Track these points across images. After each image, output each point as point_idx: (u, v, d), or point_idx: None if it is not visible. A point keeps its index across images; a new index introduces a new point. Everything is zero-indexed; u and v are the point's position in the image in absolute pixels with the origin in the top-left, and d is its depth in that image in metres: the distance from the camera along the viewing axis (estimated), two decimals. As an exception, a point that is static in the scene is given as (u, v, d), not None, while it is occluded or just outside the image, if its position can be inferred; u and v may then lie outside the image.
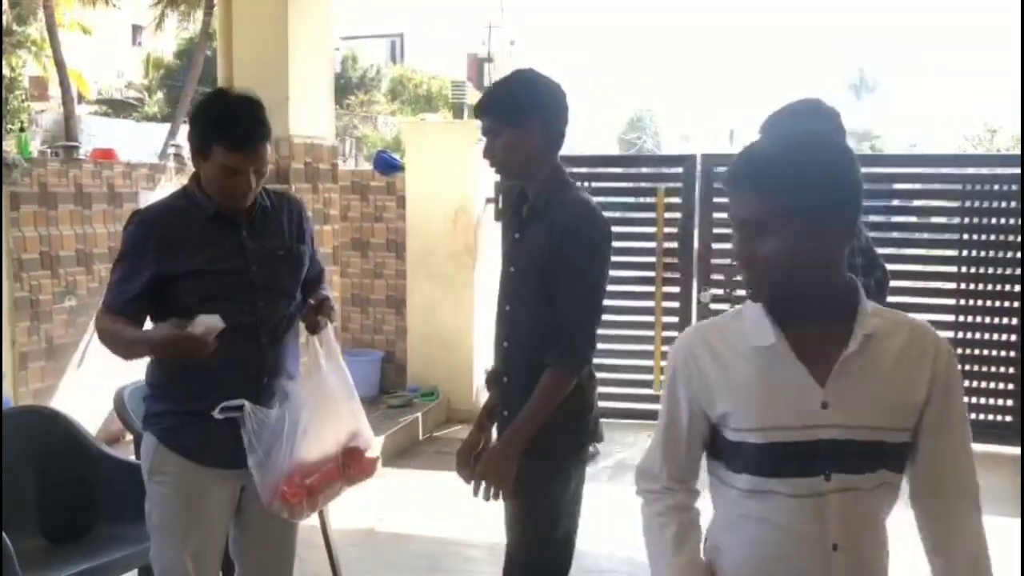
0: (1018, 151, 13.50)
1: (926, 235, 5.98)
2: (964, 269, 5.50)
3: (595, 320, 2.13)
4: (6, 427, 2.80)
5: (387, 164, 6.28)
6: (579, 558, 2.26)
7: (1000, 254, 5.44)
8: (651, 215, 5.90)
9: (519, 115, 2.11)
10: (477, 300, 5.89)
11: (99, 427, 4.76)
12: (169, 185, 5.51)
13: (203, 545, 2.23)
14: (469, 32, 28.90)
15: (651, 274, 5.87)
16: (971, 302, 5.48)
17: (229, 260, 2.18)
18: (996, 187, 5.44)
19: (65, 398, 4.79)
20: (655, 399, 5.84)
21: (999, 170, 5.65)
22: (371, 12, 29.57)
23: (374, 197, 6.40)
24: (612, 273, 6.64)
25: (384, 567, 3.78)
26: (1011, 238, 5.39)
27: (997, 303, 5.46)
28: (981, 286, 5.46)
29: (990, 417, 5.49)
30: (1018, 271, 5.36)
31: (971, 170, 5.75)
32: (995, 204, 5.43)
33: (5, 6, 17.12)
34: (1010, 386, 5.43)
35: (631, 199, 6.23)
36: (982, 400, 5.48)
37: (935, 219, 6.23)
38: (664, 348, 5.84)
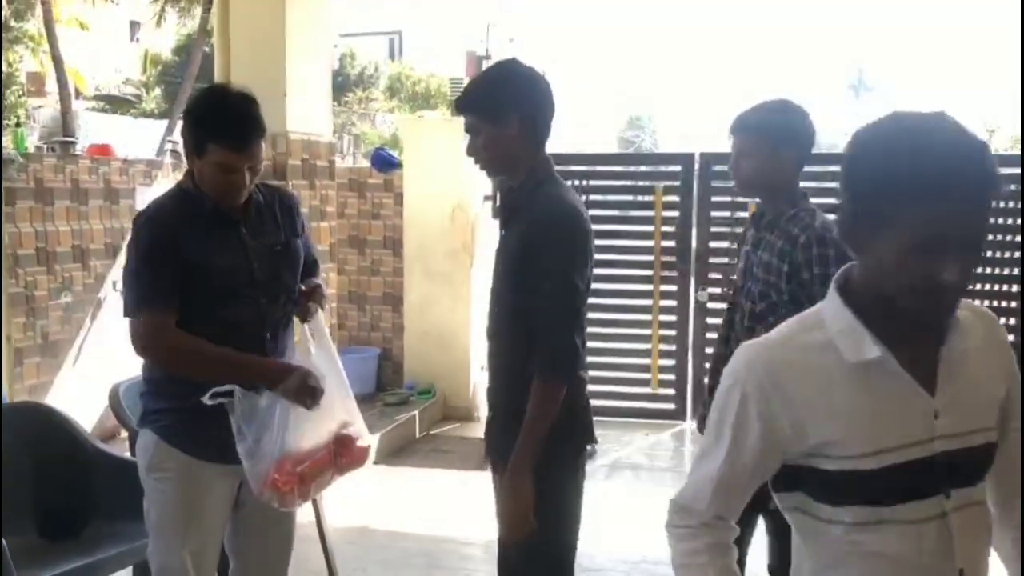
0: (1017, 151, 13.51)
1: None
2: (962, 269, 5.50)
3: (575, 324, 2.00)
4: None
5: (385, 161, 6.27)
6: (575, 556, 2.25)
7: (998, 254, 5.44)
8: (649, 213, 5.89)
9: (497, 110, 2.03)
10: (474, 298, 5.88)
11: (94, 424, 4.75)
12: (166, 181, 5.49)
13: (203, 542, 2.23)
14: (468, 30, 28.88)
15: (649, 273, 5.86)
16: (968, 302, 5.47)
17: (232, 258, 2.18)
18: (994, 187, 5.43)
19: (61, 394, 4.78)
20: (652, 398, 5.84)
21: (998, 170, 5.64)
22: (370, 9, 29.54)
23: (371, 194, 6.39)
24: (609, 272, 6.65)
25: (380, 565, 3.77)
26: (1009, 238, 5.39)
27: (994, 303, 5.46)
28: (978, 286, 5.46)
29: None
30: (1016, 271, 5.36)
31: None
32: (993, 204, 5.41)
33: (4, 1, 17.07)
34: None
35: (629, 197, 6.22)
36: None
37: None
38: (662, 347, 5.84)
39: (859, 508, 1.22)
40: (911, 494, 1.22)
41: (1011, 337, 5.38)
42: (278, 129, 4.16)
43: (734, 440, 1.27)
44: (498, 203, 5.75)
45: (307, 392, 2.15)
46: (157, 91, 26.30)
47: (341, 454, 2.31)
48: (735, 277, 2.54)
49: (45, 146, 7.24)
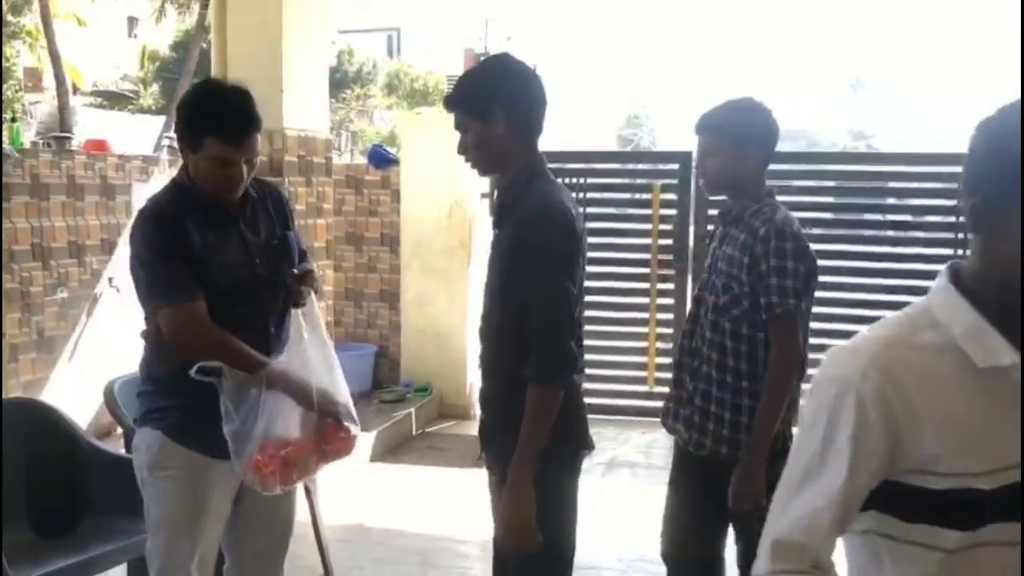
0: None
1: (921, 234, 5.97)
2: (959, 268, 5.49)
3: (567, 326, 1.94)
4: (-6, 419, 2.79)
5: (382, 158, 6.25)
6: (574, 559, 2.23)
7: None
8: (647, 212, 5.89)
9: (483, 107, 1.99)
10: (471, 296, 5.87)
11: (90, 420, 4.73)
12: (162, 177, 5.48)
13: (206, 539, 2.22)
14: (466, 27, 28.85)
15: (646, 271, 5.86)
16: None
17: (235, 254, 2.18)
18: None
19: (56, 391, 4.77)
20: (649, 396, 5.83)
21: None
22: (368, 6, 29.52)
23: (368, 191, 6.38)
24: (606, 270, 6.63)
25: (375, 562, 3.77)
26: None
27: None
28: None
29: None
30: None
31: (967, 169, 5.73)
32: (991, 203, 5.41)
33: (1, -3, 17.03)
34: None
35: (627, 196, 6.21)
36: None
37: (930, 218, 6.23)
38: (659, 345, 5.83)
39: (962, 534, 1.10)
40: (1013, 515, 1.10)
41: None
42: (275, 125, 4.14)
43: (854, 456, 1.09)
44: (494, 200, 5.75)
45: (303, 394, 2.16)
46: (155, 87, 26.26)
47: (326, 440, 2.29)
48: (704, 273, 2.57)
49: (41, 142, 7.22)
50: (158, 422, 2.19)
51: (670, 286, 5.85)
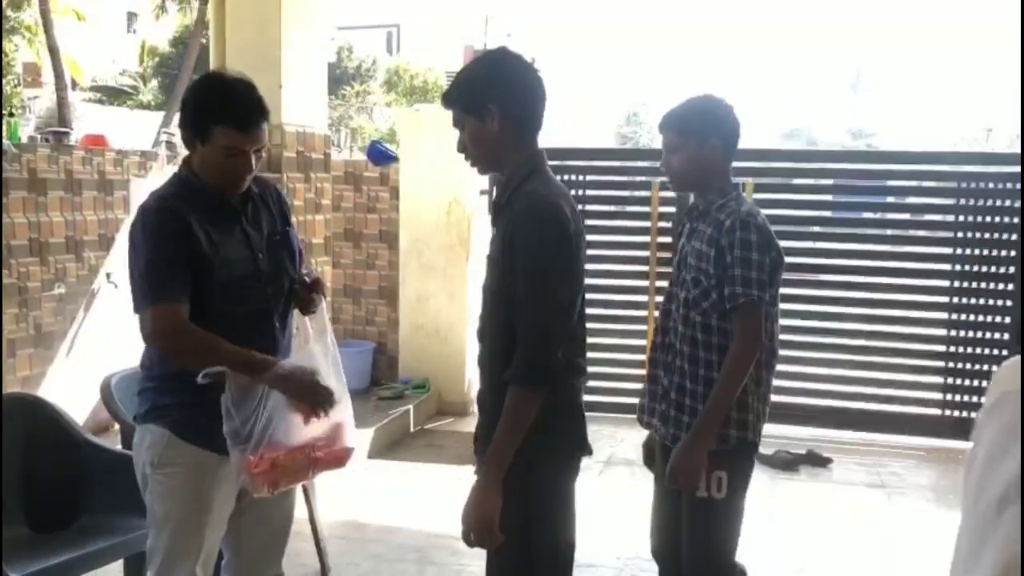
0: (1016, 150, 13.51)
1: (921, 233, 5.97)
2: (958, 267, 5.50)
3: (553, 331, 1.89)
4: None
5: (380, 154, 6.23)
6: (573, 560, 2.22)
7: (995, 253, 5.43)
8: (646, 209, 5.88)
9: (477, 103, 1.95)
10: (470, 292, 5.86)
11: (88, 416, 4.73)
12: (160, 173, 5.46)
13: (210, 537, 2.22)
14: (466, 24, 28.81)
15: (645, 268, 5.85)
16: (965, 300, 5.48)
17: (238, 249, 2.17)
18: (992, 186, 5.43)
19: (53, 386, 4.76)
20: (647, 394, 5.81)
21: (995, 168, 5.64)
22: (367, 3, 29.48)
23: (367, 188, 6.36)
24: (605, 267, 6.59)
25: (373, 559, 3.76)
26: (1006, 237, 5.38)
27: (991, 301, 5.45)
28: (975, 284, 5.46)
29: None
30: (1012, 270, 5.35)
31: (967, 168, 5.74)
32: (990, 203, 5.42)
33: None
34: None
35: (626, 193, 6.21)
36: (975, 399, 5.49)
37: (929, 217, 6.23)
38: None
39: None
40: None
41: (1006, 336, 5.39)
42: (273, 121, 4.11)
43: None
44: (493, 198, 5.74)
45: (309, 392, 2.14)
46: (154, 83, 26.23)
47: (321, 450, 2.27)
48: (673, 268, 2.58)
49: (39, 137, 7.20)
50: (162, 419, 2.18)
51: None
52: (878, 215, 6.66)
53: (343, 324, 6.39)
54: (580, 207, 2.21)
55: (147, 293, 2.09)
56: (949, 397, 5.52)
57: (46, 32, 17.73)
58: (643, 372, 5.87)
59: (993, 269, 5.43)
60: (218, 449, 2.15)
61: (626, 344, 5.90)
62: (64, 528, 2.81)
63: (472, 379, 5.88)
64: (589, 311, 2.13)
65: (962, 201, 5.48)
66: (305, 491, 3.31)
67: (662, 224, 5.82)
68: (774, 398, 5.62)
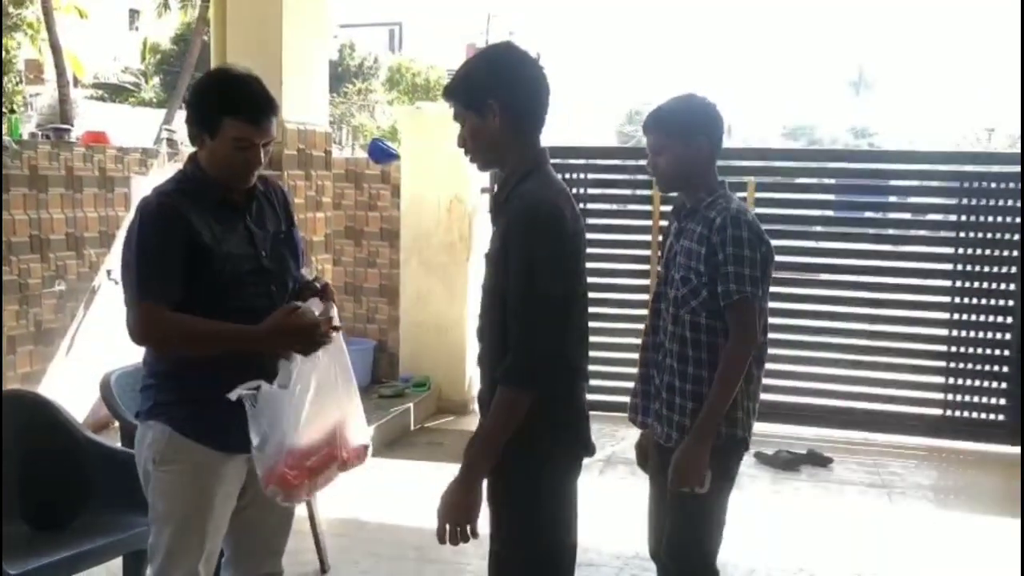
0: (1017, 150, 13.50)
1: (922, 233, 5.96)
2: (960, 267, 5.49)
3: (546, 331, 1.86)
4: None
5: (382, 152, 6.22)
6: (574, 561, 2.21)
7: (996, 253, 5.42)
8: (647, 208, 5.87)
9: (477, 97, 1.93)
10: (470, 290, 5.86)
11: (88, 413, 4.72)
12: (161, 170, 5.46)
13: (213, 535, 2.21)
14: (469, 21, 28.78)
15: (646, 267, 5.84)
16: (966, 300, 5.46)
17: (242, 246, 2.17)
18: (993, 185, 5.41)
19: (54, 383, 4.76)
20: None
21: (996, 168, 5.63)
22: (370, 0, 29.46)
23: (368, 185, 6.36)
24: (607, 266, 6.56)
25: (372, 557, 3.76)
26: (1007, 237, 5.37)
27: (992, 302, 5.44)
28: (977, 284, 5.45)
29: (984, 416, 5.48)
30: (1014, 270, 5.34)
31: (968, 168, 5.73)
32: (992, 203, 5.41)
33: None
34: (1004, 385, 5.42)
35: (628, 191, 6.19)
36: (976, 399, 5.48)
37: (931, 217, 6.22)
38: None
39: None
40: None
41: (1008, 336, 5.38)
42: (274, 118, 4.13)
43: None
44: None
45: (300, 332, 2.11)
46: (155, 80, 26.23)
47: (344, 449, 2.29)
48: (660, 268, 2.58)
49: (40, 133, 7.20)
50: (164, 416, 2.17)
51: (670, 283, 5.83)
52: (880, 215, 6.65)
53: (343, 322, 6.37)
54: (581, 206, 2.19)
55: (134, 289, 2.09)
56: (950, 397, 5.51)
57: (48, 29, 17.73)
58: (643, 371, 5.91)
59: (995, 269, 5.41)
60: (221, 446, 2.15)
61: (628, 343, 5.89)
62: (63, 526, 2.81)
63: (473, 377, 5.88)
64: (591, 309, 2.11)
65: (964, 201, 5.47)
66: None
67: (663, 223, 5.81)
68: (775, 397, 5.62)
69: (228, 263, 2.12)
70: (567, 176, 5.74)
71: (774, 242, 2.43)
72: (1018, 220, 5.30)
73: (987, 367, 5.45)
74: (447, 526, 1.93)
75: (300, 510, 2.66)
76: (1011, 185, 5.33)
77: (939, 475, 5.06)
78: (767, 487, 4.72)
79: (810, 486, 4.81)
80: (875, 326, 5.65)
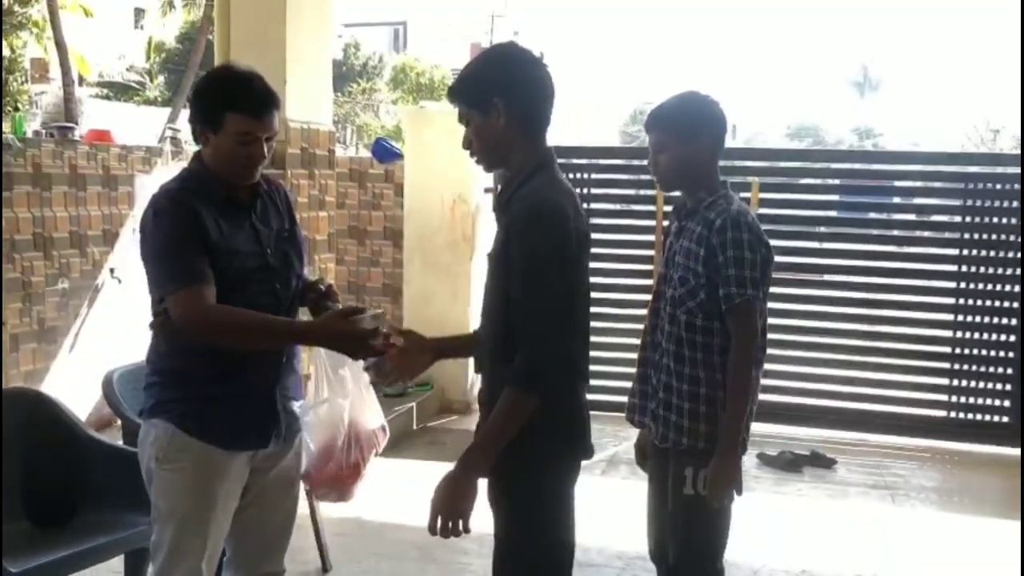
0: (1018, 151, 13.46)
1: (927, 233, 5.95)
2: (964, 268, 5.47)
3: (555, 330, 1.86)
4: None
5: (386, 151, 6.23)
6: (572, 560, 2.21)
7: (1001, 254, 5.40)
8: (651, 208, 5.87)
9: (482, 97, 1.92)
10: (474, 290, 5.86)
11: (91, 411, 4.73)
12: (165, 168, 5.46)
13: (215, 534, 2.20)
14: (473, 21, 28.80)
15: (650, 267, 5.83)
16: (970, 302, 5.45)
17: (248, 243, 2.17)
18: (998, 186, 5.40)
19: (56, 381, 4.77)
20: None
21: (1001, 169, 5.61)
22: (374, 0, 29.47)
23: (372, 185, 6.37)
24: (610, 266, 6.55)
25: (374, 556, 3.76)
26: (1012, 238, 5.35)
27: (997, 303, 5.42)
28: (981, 286, 5.43)
29: (988, 418, 5.46)
30: (1018, 271, 5.32)
31: (973, 169, 5.72)
32: (996, 204, 5.39)
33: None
34: (1008, 387, 5.40)
35: (632, 191, 6.19)
36: (980, 400, 5.46)
37: (936, 218, 6.21)
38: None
39: None
40: None
41: (1012, 338, 5.36)
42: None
43: None
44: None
45: (352, 338, 2.12)
46: (160, 79, 26.27)
47: (379, 440, 2.38)
48: (660, 268, 2.56)
49: (43, 131, 7.21)
50: (168, 414, 2.16)
51: (673, 283, 5.82)
52: (884, 216, 6.64)
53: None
54: (583, 206, 2.18)
55: (170, 279, 2.07)
56: (954, 399, 5.49)
57: (53, 28, 17.74)
58: (646, 371, 5.90)
59: (999, 270, 5.40)
60: (224, 445, 2.15)
61: (631, 343, 5.88)
62: (65, 523, 2.81)
63: (475, 377, 5.87)
64: (593, 309, 2.10)
65: (968, 202, 5.45)
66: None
67: (667, 223, 5.80)
68: (779, 399, 5.61)
69: (235, 260, 2.13)
70: (570, 176, 5.73)
71: (778, 243, 2.42)
72: (1018, 221, 5.28)
73: (991, 369, 5.43)
74: (439, 519, 1.93)
75: (302, 509, 2.66)
76: (1016, 186, 5.31)
77: (943, 477, 5.04)
78: (770, 488, 4.71)
79: (813, 487, 4.79)
80: (879, 327, 5.63)
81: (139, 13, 29.34)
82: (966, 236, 5.47)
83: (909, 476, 5.01)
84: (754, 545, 3.75)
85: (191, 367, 2.14)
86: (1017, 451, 5.16)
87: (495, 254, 1.98)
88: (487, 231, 5.93)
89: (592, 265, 2.10)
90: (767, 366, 2.48)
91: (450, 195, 5.91)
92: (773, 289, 2.42)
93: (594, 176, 6.00)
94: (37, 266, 4.79)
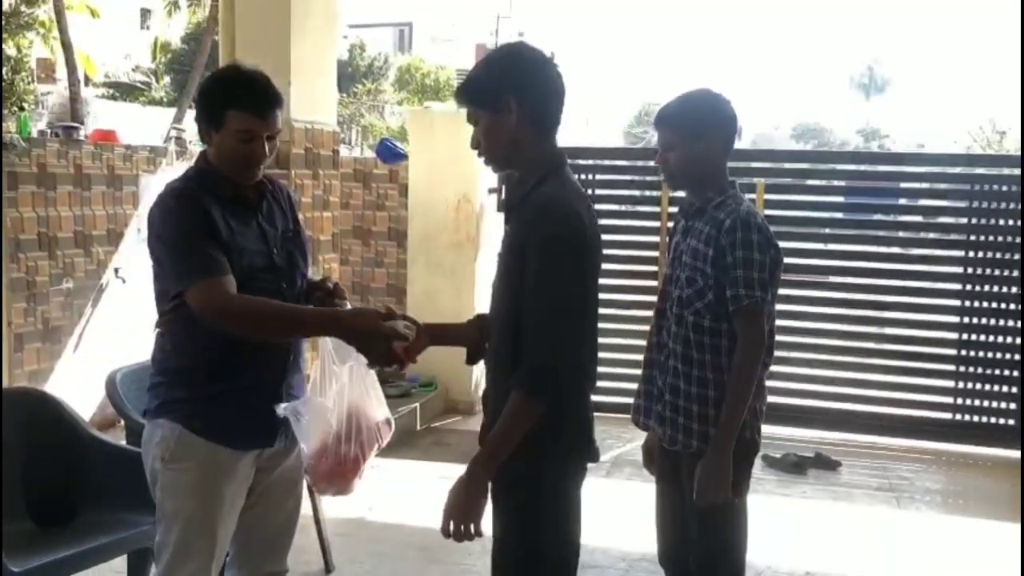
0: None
1: (932, 235, 5.93)
2: (970, 270, 5.45)
3: (567, 335, 1.84)
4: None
5: (390, 152, 6.23)
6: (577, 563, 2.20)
7: (1007, 256, 5.38)
8: (656, 209, 5.86)
9: (492, 97, 1.90)
10: (478, 291, 5.85)
11: (95, 411, 4.73)
12: (170, 168, 5.47)
13: (222, 531, 2.20)
14: (479, 22, 28.81)
15: (655, 268, 5.82)
16: (976, 304, 5.42)
17: (255, 242, 2.18)
18: (1004, 188, 5.38)
19: (61, 381, 4.77)
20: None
21: (1007, 171, 5.59)
22: (380, 0, 29.49)
23: (376, 185, 6.36)
24: (615, 267, 6.53)
25: (376, 557, 3.75)
26: (1018, 240, 5.32)
27: (1002, 305, 5.40)
28: (987, 288, 5.41)
29: (993, 420, 5.44)
30: (1015, 272, 5.29)
31: (979, 170, 5.69)
32: (1002, 205, 5.37)
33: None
34: (1014, 389, 5.37)
35: (637, 192, 6.18)
36: (985, 403, 5.44)
37: (942, 219, 6.19)
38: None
39: None
40: None
41: (1017, 340, 5.33)
42: (282, 117, 4.13)
43: None
44: (503, 196, 5.73)
45: (382, 337, 2.14)
46: (166, 79, 26.31)
47: (383, 435, 2.35)
48: (666, 268, 2.55)
49: (48, 131, 7.23)
50: (174, 413, 2.16)
51: (678, 284, 5.81)
52: (890, 217, 6.62)
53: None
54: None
55: (189, 272, 2.06)
56: (960, 401, 5.47)
57: (60, 28, 17.77)
58: (651, 372, 5.89)
59: (1006, 272, 5.37)
60: (232, 443, 2.15)
61: (636, 344, 5.87)
62: (68, 523, 2.81)
63: (479, 378, 5.87)
64: (600, 311, 2.09)
65: (974, 203, 5.43)
66: (310, 488, 3.29)
67: (672, 224, 5.79)
68: (783, 400, 5.60)
69: (244, 258, 2.13)
70: (574, 177, 5.72)
71: (783, 244, 2.40)
72: (1018, 222, 5.25)
73: (997, 371, 5.41)
74: (451, 523, 1.92)
75: (305, 509, 2.65)
76: (1012, 188, 5.29)
77: (948, 479, 5.02)
78: (775, 490, 4.69)
79: (817, 489, 4.78)
80: (884, 329, 5.61)
81: (145, 14, 29.41)
82: (972, 238, 5.45)
83: (914, 478, 4.99)
84: (758, 547, 3.71)
85: (197, 367, 2.14)
86: (1017, 453, 5.14)
87: (505, 255, 1.96)
88: (491, 231, 5.93)
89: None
90: (771, 367, 2.47)
91: (454, 195, 5.90)
92: (779, 291, 2.40)
93: (598, 177, 5.99)
94: (42, 266, 4.79)
